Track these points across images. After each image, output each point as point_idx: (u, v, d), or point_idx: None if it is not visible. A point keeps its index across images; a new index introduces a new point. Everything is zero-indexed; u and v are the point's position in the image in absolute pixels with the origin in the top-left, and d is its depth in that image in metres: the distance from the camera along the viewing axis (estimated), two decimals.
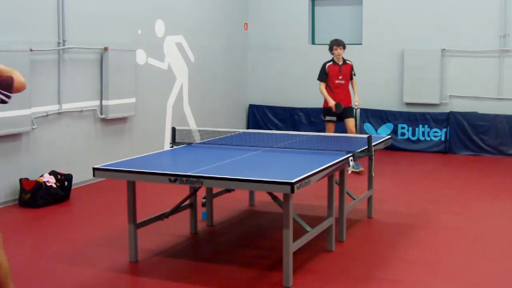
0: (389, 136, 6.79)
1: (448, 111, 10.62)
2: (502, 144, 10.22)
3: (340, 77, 8.69)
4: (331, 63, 8.74)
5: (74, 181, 7.54)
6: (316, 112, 11.56)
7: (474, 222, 6.40)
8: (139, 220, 5.24)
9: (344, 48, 8.72)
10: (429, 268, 4.99)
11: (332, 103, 8.55)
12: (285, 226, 4.48)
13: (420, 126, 10.74)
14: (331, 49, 8.74)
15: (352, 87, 8.88)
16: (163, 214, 5.56)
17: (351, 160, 5.38)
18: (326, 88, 8.68)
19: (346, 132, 8.67)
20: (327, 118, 8.74)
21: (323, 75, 8.68)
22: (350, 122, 8.75)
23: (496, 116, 10.26)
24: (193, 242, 5.84)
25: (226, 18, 11.38)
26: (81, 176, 7.77)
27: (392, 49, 10.96)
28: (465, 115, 10.48)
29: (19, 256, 4.86)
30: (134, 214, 5.15)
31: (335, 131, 8.78)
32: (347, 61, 8.83)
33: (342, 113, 8.64)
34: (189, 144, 6.16)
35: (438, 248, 5.54)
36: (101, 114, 8.31)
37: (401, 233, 5.98)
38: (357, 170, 8.40)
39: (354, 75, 8.89)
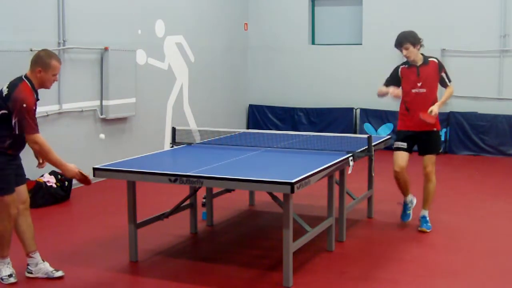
0: (389, 136, 6.80)
1: (448, 111, 10.61)
2: (502, 144, 10.22)
3: (419, 84, 5.88)
4: (405, 65, 6.07)
5: (74, 181, 7.53)
6: (316, 112, 11.58)
7: (474, 222, 6.40)
8: (139, 220, 5.24)
9: (413, 44, 5.91)
10: (429, 268, 4.99)
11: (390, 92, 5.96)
12: (285, 226, 4.48)
13: None
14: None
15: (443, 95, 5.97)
16: (163, 214, 5.56)
17: (351, 160, 5.38)
18: (401, 105, 6.05)
19: (423, 173, 6.04)
20: (396, 144, 6.02)
21: (389, 79, 6.17)
22: (428, 160, 5.96)
23: (496, 116, 10.26)
24: (193, 242, 5.84)
25: (226, 18, 11.38)
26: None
27: (392, 49, 10.84)
28: (465, 115, 10.48)
29: (19, 256, 4.85)
30: (134, 214, 5.15)
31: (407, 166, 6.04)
32: (431, 59, 5.99)
33: (421, 141, 5.96)
34: (189, 144, 6.16)
35: (438, 248, 5.54)
36: (101, 114, 8.31)
37: (401, 233, 5.98)
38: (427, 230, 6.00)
39: (449, 80, 5.97)
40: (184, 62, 10.18)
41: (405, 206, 6.24)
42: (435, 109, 5.72)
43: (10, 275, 4.64)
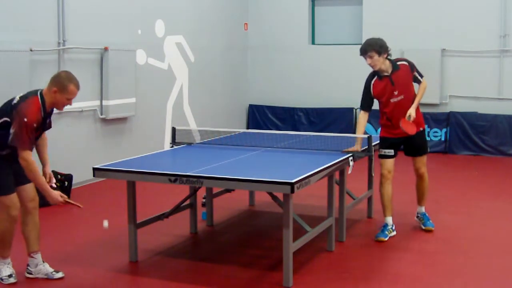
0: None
1: (448, 111, 10.62)
2: (502, 144, 10.22)
3: (396, 93, 5.63)
4: (375, 78, 5.74)
5: (74, 181, 7.54)
6: (316, 112, 11.58)
7: (474, 222, 6.40)
8: (139, 220, 5.24)
9: (379, 53, 5.63)
10: (429, 268, 4.99)
11: (356, 143, 5.64)
12: (285, 226, 4.48)
13: None
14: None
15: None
16: (163, 214, 5.56)
17: (351, 160, 5.38)
18: (381, 116, 5.84)
19: (416, 173, 6.01)
20: (382, 152, 5.83)
21: (364, 100, 5.82)
22: (419, 162, 5.91)
23: (496, 116, 10.26)
24: (193, 242, 5.84)
25: (226, 18, 11.38)
26: (81, 176, 7.77)
27: (392, 49, 10.82)
28: (465, 115, 10.48)
29: (19, 256, 4.85)
30: (134, 214, 5.15)
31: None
32: (400, 63, 5.74)
33: (408, 144, 5.87)
34: (189, 144, 6.16)
35: (438, 248, 5.54)
36: (101, 114, 8.31)
37: (401, 233, 5.98)
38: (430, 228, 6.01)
39: (421, 76, 5.78)
40: (184, 62, 10.18)
41: (385, 226, 5.83)
42: (412, 113, 5.56)
43: (10, 275, 4.64)
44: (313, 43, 11.87)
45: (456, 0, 10.57)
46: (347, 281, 4.73)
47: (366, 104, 5.80)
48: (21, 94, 4.50)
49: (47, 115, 4.56)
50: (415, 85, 5.82)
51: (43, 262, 4.75)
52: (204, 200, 6.34)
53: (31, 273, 4.74)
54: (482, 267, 5.05)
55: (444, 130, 10.60)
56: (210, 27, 10.84)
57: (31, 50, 7.13)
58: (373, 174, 6.37)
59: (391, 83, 5.64)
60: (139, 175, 4.84)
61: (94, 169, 5.03)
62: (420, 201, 6.12)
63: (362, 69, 11.31)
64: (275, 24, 11.91)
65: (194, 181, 4.58)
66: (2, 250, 4.64)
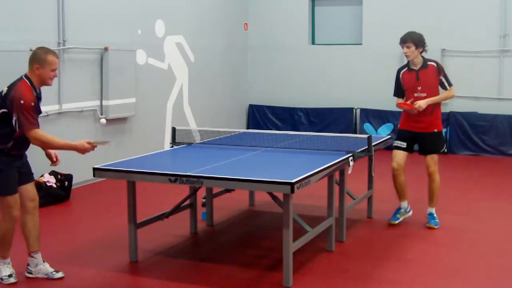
0: (389, 136, 6.79)
1: (448, 111, 10.61)
2: (502, 144, 10.22)
3: (419, 88, 5.90)
4: (405, 68, 6.08)
5: (74, 181, 7.54)
6: (316, 112, 11.58)
7: (474, 222, 6.40)
8: (139, 220, 5.24)
9: (416, 45, 5.93)
10: (429, 268, 4.99)
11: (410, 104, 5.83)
12: (285, 226, 4.48)
13: None
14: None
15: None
16: (163, 214, 5.56)
17: (351, 160, 5.38)
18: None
19: (427, 172, 6.14)
20: (395, 143, 6.12)
21: (396, 88, 6.12)
22: (430, 160, 6.03)
23: (496, 116, 10.26)
24: (193, 242, 5.84)
25: (226, 18, 11.38)
26: (81, 176, 7.77)
27: (392, 49, 10.89)
28: (465, 115, 10.49)
29: (19, 256, 4.85)
30: (134, 214, 5.15)
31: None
32: (430, 63, 5.98)
33: (421, 141, 6.04)
34: (189, 144, 6.16)
35: (438, 248, 5.54)
36: (101, 114, 8.31)
37: (401, 233, 5.98)
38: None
39: (449, 84, 5.96)
40: (184, 62, 10.18)
41: (398, 209, 6.30)
42: (422, 104, 5.79)
43: (10, 275, 4.64)
44: (313, 43, 11.86)
45: (456, 0, 10.57)
46: (347, 281, 4.73)
47: (397, 92, 6.15)
48: (8, 85, 4.52)
49: (39, 95, 4.58)
50: (441, 90, 6.06)
51: (43, 262, 4.75)
52: (204, 200, 6.34)
53: (31, 273, 4.74)
54: (482, 267, 5.05)
55: (444, 130, 10.59)
56: (210, 27, 10.84)
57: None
58: (373, 174, 6.38)
59: (416, 77, 5.94)
60: (139, 175, 4.84)
61: (94, 169, 5.04)
62: (429, 201, 6.23)
63: (362, 69, 11.39)
64: (275, 24, 11.91)
65: (194, 181, 4.58)
66: (2, 250, 4.64)
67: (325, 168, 4.87)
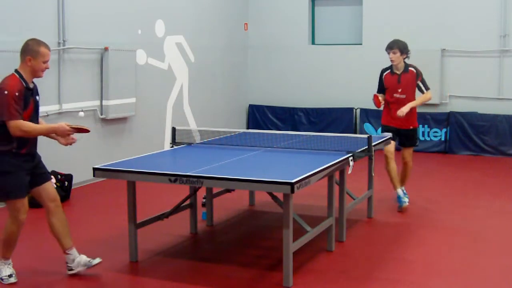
0: (389, 136, 6.79)
1: (448, 111, 10.62)
2: (502, 144, 10.22)
3: (399, 90, 6.63)
4: (388, 71, 6.79)
5: (74, 181, 7.54)
6: (316, 112, 11.58)
7: (474, 222, 6.40)
8: (139, 220, 5.24)
9: (401, 52, 6.58)
10: (429, 268, 4.99)
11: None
12: (285, 226, 4.48)
13: (420, 126, 10.72)
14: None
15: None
16: (163, 214, 5.56)
17: (351, 160, 5.38)
18: (385, 106, 6.85)
19: (402, 162, 6.90)
20: (383, 135, 6.79)
21: (379, 86, 6.86)
22: (406, 152, 6.82)
23: (496, 116, 10.26)
24: (193, 242, 5.84)
25: (226, 18, 11.38)
26: (81, 176, 7.77)
27: None
28: (465, 115, 10.48)
29: (20, 256, 4.86)
30: (134, 214, 5.15)
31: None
32: (410, 68, 6.67)
33: (401, 136, 6.77)
34: (189, 144, 6.16)
35: (438, 248, 5.54)
36: (101, 114, 8.31)
37: (401, 233, 5.98)
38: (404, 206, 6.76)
39: (426, 88, 6.67)
40: (184, 62, 10.18)
41: (399, 197, 6.74)
42: (404, 110, 6.48)
43: (10, 276, 4.64)
44: (313, 43, 11.86)
45: (456, 0, 10.57)
46: (347, 281, 4.73)
47: (379, 90, 6.88)
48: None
49: (31, 89, 4.55)
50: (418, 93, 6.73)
51: (79, 254, 4.78)
52: (204, 200, 6.34)
53: (72, 269, 4.78)
54: (482, 267, 5.05)
55: (444, 130, 10.60)
56: (210, 27, 10.84)
57: None
58: (373, 174, 6.38)
59: (398, 80, 6.67)
60: (139, 175, 4.84)
61: (94, 169, 5.03)
62: (402, 182, 6.92)
63: (362, 69, 11.39)
64: (275, 24, 11.91)
65: (194, 181, 4.58)
66: (5, 251, 4.65)
67: (325, 168, 4.86)
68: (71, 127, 4.58)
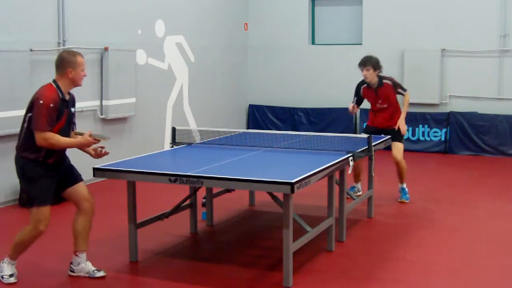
0: (389, 136, 6.80)
1: (448, 111, 10.62)
2: (502, 144, 10.22)
3: (380, 101, 6.96)
4: (365, 85, 7.07)
5: None
6: (316, 112, 11.58)
7: (474, 222, 6.40)
8: (139, 220, 5.24)
9: (374, 69, 6.81)
10: (429, 268, 4.99)
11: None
12: (285, 226, 4.48)
13: (420, 126, 10.74)
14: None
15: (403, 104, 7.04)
16: (163, 214, 5.56)
17: (351, 160, 5.38)
18: (370, 111, 7.20)
19: (394, 161, 7.04)
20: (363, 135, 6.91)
21: (355, 98, 7.15)
22: (395, 150, 6.97)
23: (496, 116, 10.26)
24: (193, 242, 5.84)
25: (226, 18, 11.38)
26: (81, 176, 7.75)
27: (392, 49, 10.95)
28: (465, 115, 10.48)
29: (21, 257, 4.85)
30: (134, 214, 5.15)
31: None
32: (385, 81, 6.91)
33: (386, 134, 6.93)
34: (189, 144, 6.16)
35: (438, 248, 5.54)
36: (101, 114, 8.31)
37: (401, 233, 5.98)
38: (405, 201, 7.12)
39: (404, 90, 6.94)
40: (184, 62, 10.18)
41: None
42: (403, 127, 6.87)
43: (11, 275, 4.64)
44: (313, 43, 11.86)
45: (456, 0, 10.57)
46: (347, 281, 4.73)
47: (356, 101, 7.13)
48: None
49: (67, 101, 4.58)
50: (400, 97, 7.04)
51: (86, 261, 4.78)
52: (204, 200, 6.34)
53: (73, 271, 4.78)
54: (482, 267, 5.05)
55: (444, 130, 10.60)
56: (210, 27, 10.84)
57: (31, 50, 7.13)
58: (373, 174, 6.39)
59: (375, 94, 6.95)
60: (139, 175, 4.84)
61: (94, 169, 5.04)
62: (400, 180, 7.12)
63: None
64: (275, 24, 11.91)
65: (194, 181, 4.58)
66: (14, 253, 4.67)
67: (325, 168, 4.86)
68: (94, 139, 4.61)
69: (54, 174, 4.59)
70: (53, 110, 4.43)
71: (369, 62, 6.79)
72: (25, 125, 4.52)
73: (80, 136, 4.63)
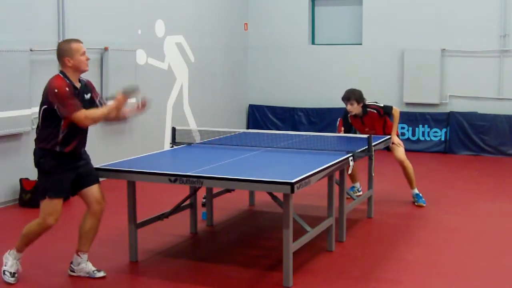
0: (389, 136, 6.80)
1: (448, 111, 10.62)
2: (502, 144, 10.22)
3: (367, 129, 7.01)
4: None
5: None
6: (316, 112, 11.58)
7: (474, 222, 6.40)
8: (139, 220, 5.24)
9: (358, 102, 6.82)
10: (429, 268, 4.99)
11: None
12: (285, 226, 4.48)
13: (420, 126, 10.74)
14: None
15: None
16: (163, 214, 5.56)
17: (351, 160, 5.38)
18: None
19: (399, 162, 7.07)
20: None
21: (344, 125, 7.16)
22: (399, 154, 6.96)
23: (496, 116, 10.26)
24: (193, 242, 5.85)
25: (226, 18, 11.38)
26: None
27: (392, 49, 10.96)
28: (465, 115, 10.48)
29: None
30: (134, 214, 5.15)
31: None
32: (369, 110, 6.93)
33: None
34: (189, 144, 6.16)
35: (438, 248, 5.54)
36: None
37: (401, 233, 5.98)
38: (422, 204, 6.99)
39: (390, 110, 6.94)
40: (184, 62, 10.18)
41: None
42: (396, 141, 6.92)
43: (13, 274, 4.64)
44: (313, 43, 11.86)
45: (456, 0, 10.57)
46: (347, 281, 4.73)
47: (344, 129, 7.10)
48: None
49: (77, 89, 4.56)
50: None
51: (87, 261, 4.77)
52: (204, 200, 6.34)
53: (73, 271, 4.78)
54: (482, 267, 5.05)
55: (444, 130, 10.59)
56: (210, 27, 10.84)
57: (31, 50, 7.13)
58: (373, 174, 6.39)
59: (362, 123, 7.01)
60: (139, 175, 4.84)
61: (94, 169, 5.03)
62: (410, 185, 7.04)
63: (362, 69, 11.38)
64: (275, 24, 11.91)
65: (194, 181, 4.58)
66: (22, 245, 4.67)
67: (325, 168, 4.86)
68: (124, 94, 4.64)
69: (71, 167, 4.56)
70: (70, 93, 4.41)
71: (353, 96, 6.84)
72: (40, 117, 4.50)
73: (113, 102, 4.61)
